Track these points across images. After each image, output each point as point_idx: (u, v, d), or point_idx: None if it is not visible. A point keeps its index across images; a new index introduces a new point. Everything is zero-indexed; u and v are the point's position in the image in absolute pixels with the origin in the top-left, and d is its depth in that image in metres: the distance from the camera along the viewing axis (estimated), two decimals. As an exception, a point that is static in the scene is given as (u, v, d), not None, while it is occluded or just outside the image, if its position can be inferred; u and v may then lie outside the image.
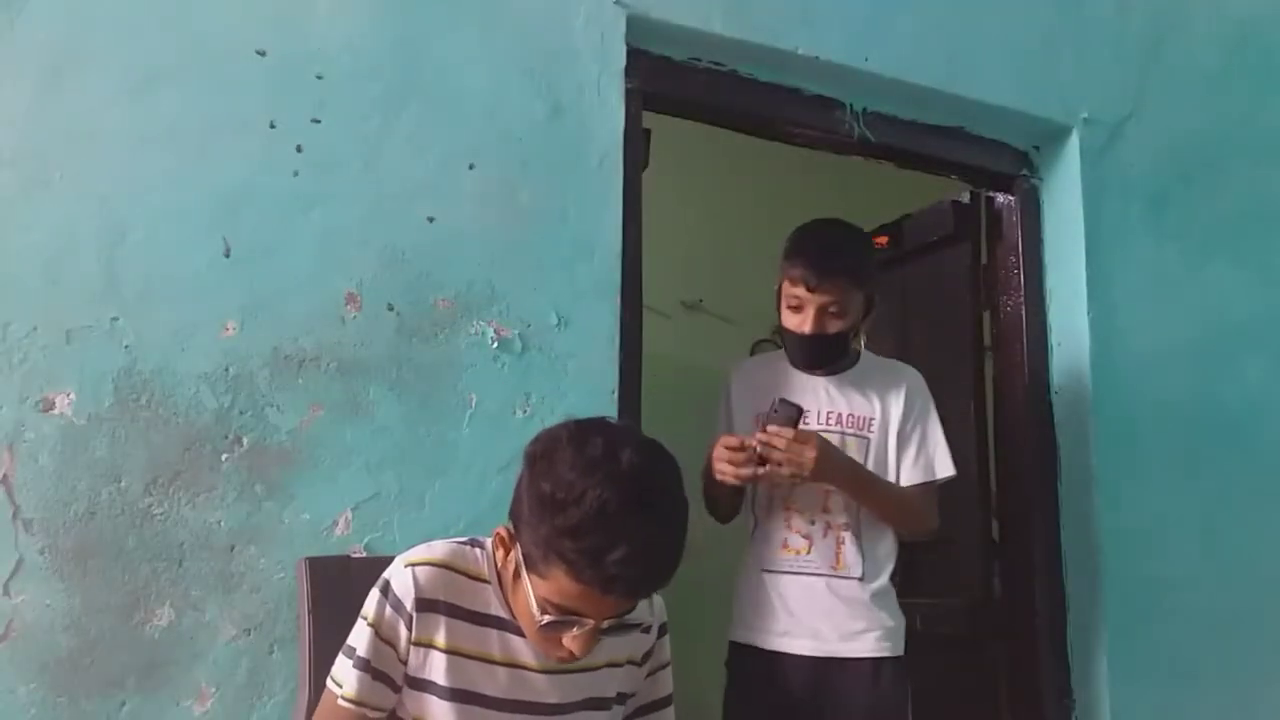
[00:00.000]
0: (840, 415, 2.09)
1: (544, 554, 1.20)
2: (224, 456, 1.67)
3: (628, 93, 2.08)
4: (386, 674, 1.30)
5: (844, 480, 1.99)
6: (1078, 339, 2.52)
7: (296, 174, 1.79)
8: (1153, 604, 2.46)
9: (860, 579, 2.02)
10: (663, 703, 1.47)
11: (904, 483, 2.06)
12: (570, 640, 1.24)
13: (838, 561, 2.03)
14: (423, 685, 1.31)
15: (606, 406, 1.95)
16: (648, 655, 1.43)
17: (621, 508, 1.17)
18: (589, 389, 1.94)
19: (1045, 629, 2.46)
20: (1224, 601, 2.56)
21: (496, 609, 1.33)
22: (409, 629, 1.29)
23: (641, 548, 1.17)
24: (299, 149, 1.80)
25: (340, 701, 1.30)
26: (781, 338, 2.14)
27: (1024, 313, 2.59)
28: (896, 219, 3.21)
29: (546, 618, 1.23)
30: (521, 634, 1.32)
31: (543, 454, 1.24)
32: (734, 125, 2.41)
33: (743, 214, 4.72)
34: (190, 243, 1.71)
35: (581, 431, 1.24)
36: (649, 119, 2.20)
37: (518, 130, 1.97)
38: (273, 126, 1.78)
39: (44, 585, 1.55)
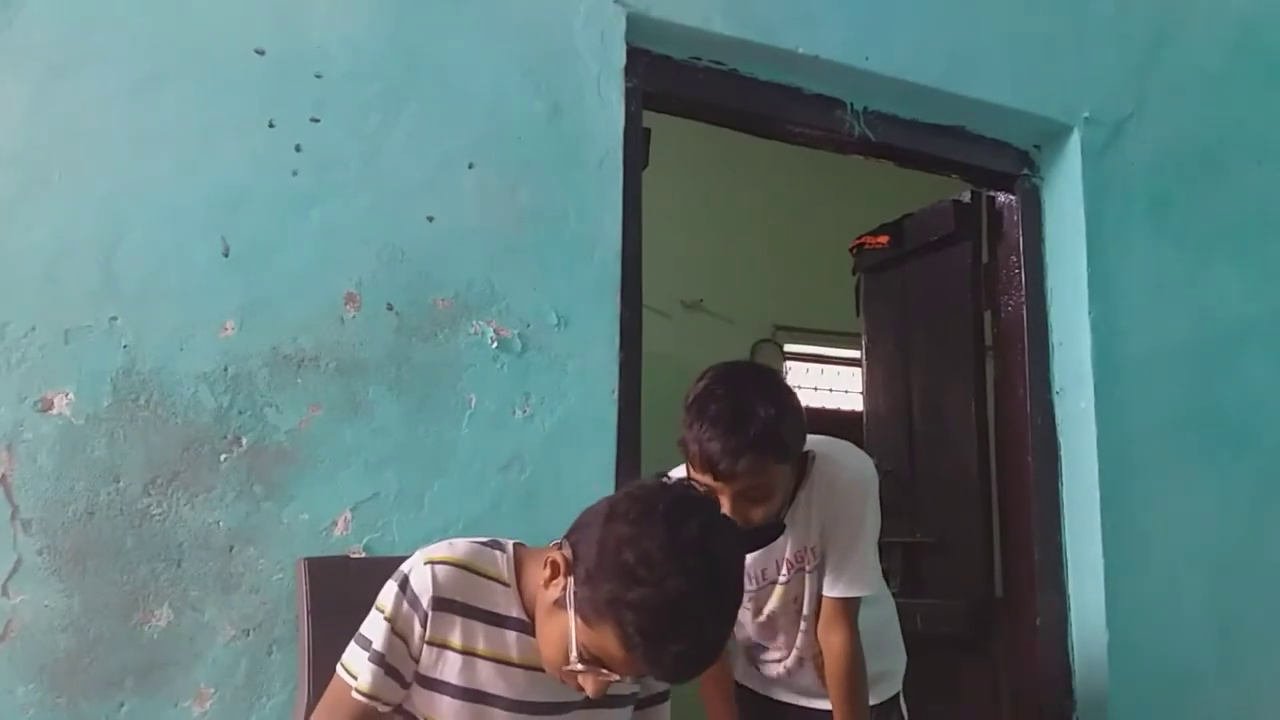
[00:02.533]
0: (784, 561, 1.80)
1: (601, 613, 1.17)
2: (223, 457, 1.67)
3: (628, 92, 2.08)
4: (398, 670, 1.28)
5: None
6: (1079, 338, 2.52)
7: (296, 173, 1.79)
8: (1154, 603, 2.45)
9: None
10: (659, 698, 1.46)
11: (830, 593, 1.78)
12: (588, 682, 1.22)
13: (820, 684, 1.84)
14: (434, 685, 1.30)
15: (606, 406, 1.95)
16: (646, 688, 1.42)
17: (697, 603, 1.15)
18: (589, 389, 1.94)
19: (1045, 629, 2.46)
20: (1225, 600, 2.55)
21: (514, 610, 1.31)
22: (424, 627, 1.27)
23: (702, 644, 1.18)
24: (298, 148, 1.79)
25: (354, 695, 1.28)
26: None
27: (1025, 312, 2.58)
28: (897, 218, 3.22)
29: (579, 666, 1.20)
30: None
31: (634, 518, 1.19)
32: (734, 125, 2.40)
33: (743, 214, 4.73)
34: (189, 242, 1.71)
35: (679, 508, 1.21)
36: (649, 118, 2.19)
37: (518, 130, 1.96)
38: (272, 126, 1.78)
39: (43, 585, 1.55)
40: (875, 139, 2.42)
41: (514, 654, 1.30)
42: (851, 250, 3.43)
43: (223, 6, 1.79)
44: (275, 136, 1.78)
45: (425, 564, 1.29)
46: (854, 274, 3.47)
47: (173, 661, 1.60)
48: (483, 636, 1.29)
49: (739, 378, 1.69)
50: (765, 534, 1.69)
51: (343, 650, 1.32)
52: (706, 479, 1.62)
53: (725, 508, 1.61)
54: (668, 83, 2.19)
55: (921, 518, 2.99)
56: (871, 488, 1.79)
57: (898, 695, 1.95)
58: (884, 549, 1.91)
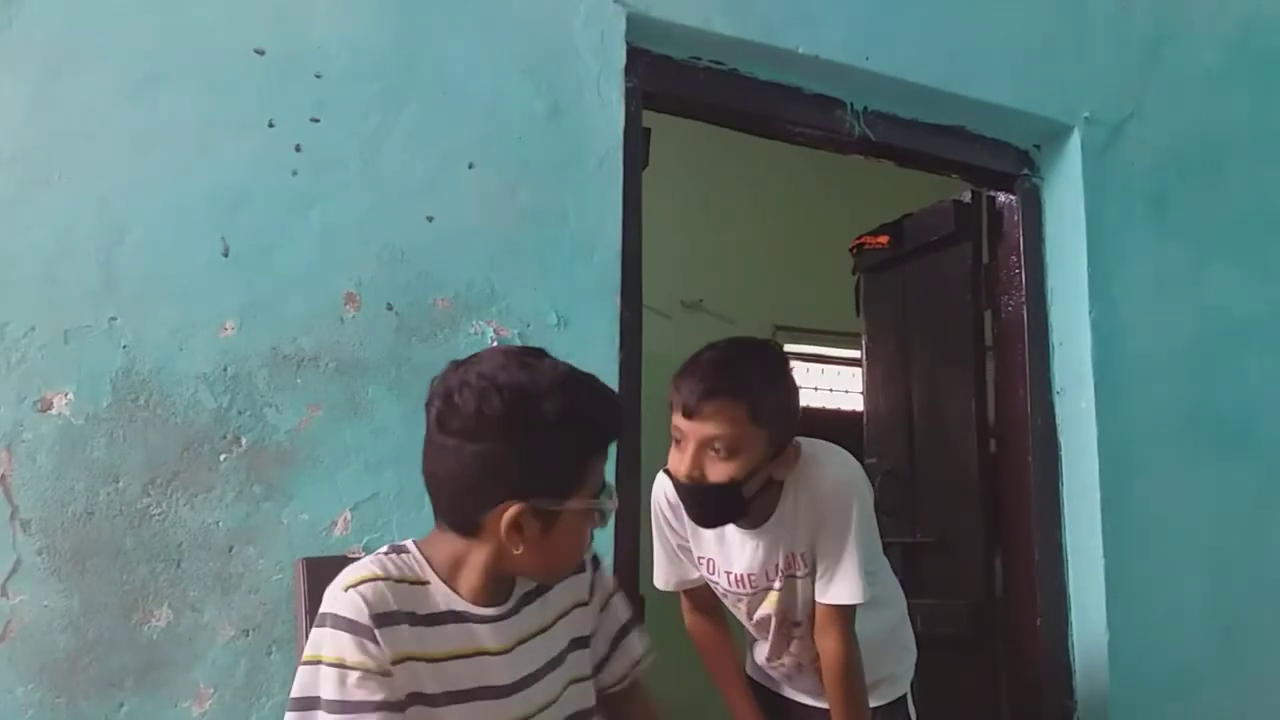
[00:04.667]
0: (776, 567, 1.75)
1: (567, 477, 1.23)
2: (222, 457, 1.67)
3: (628, 92, 2.07)
4: (389, 701, 1.17)
5: None
6: (1079, 338, 2.52)
7: (295, 173, 1.78)
8: (1154, 603, 2.45)
9: None
10: (629, 626, 1.41)
11: (820, 601, 1.75)
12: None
13: (822, 687, 1.80)
14: (427, 700, 1.22)
15: (606, 406, 1.94)
16: (592, 590, 1.39)
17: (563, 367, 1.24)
18: (589, 389, 1.94)
19: (1045, 629, 2.46)
20: (1225, 601, 2.55)
21: (454, 604, 1.25)
22: (379, 645, 1.17)
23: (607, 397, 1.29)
24: (298, 148, 1.79)
25: None
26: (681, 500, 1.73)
27: (1025, 312, 2.58)
28: (897, 218, 3.21)
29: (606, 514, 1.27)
30: (480, 619, 1.25)
31: (477, 417, 1.19)
32: (734, 124, 2.40)
33: (743, 214, 4.73)
34: (189, 242, 1.71)
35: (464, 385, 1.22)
36: (649, 118, 2.19)
37: (518, 129, 1.96)
38: (271, 126, 1.78)
39: (42, 585, 1.54)
40: (875, 139, 2.42)
41: (475, 643, 1.25)
42: (851, 250, 3.42)
43: (223, 6, 1.79)
44: (275, 136, 1.78)
45: (345, 591, 1.20)
46: (854, 274, 3.47)
47: (172, 662, 1.60)
48: (435, 639, 1.23)
49: (742, 343, 1.72)
50: (713, 495, 1.61)
51: None
52: (677, 419, 1.59)
53: (686, 458, 1.58)
54: (668, 83, 2.18)
55: (921, 518, 2.99)
56: (857, 492, 1.73)
57: (905, 696, 1.94)
58: (884, 549, 1.91)
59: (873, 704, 1.84)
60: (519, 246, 1.93)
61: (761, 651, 1.93)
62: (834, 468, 1.75)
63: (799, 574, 1.75)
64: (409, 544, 1.29)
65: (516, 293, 1.91)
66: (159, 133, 1.71)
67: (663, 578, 1.89)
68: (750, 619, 1.86)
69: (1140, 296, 2.58)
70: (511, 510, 1.20)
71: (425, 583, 1.25)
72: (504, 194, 1.93)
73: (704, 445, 1.59)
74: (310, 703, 1.18)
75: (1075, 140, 2.57)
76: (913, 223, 3.14)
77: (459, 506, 1.24)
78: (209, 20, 1.78)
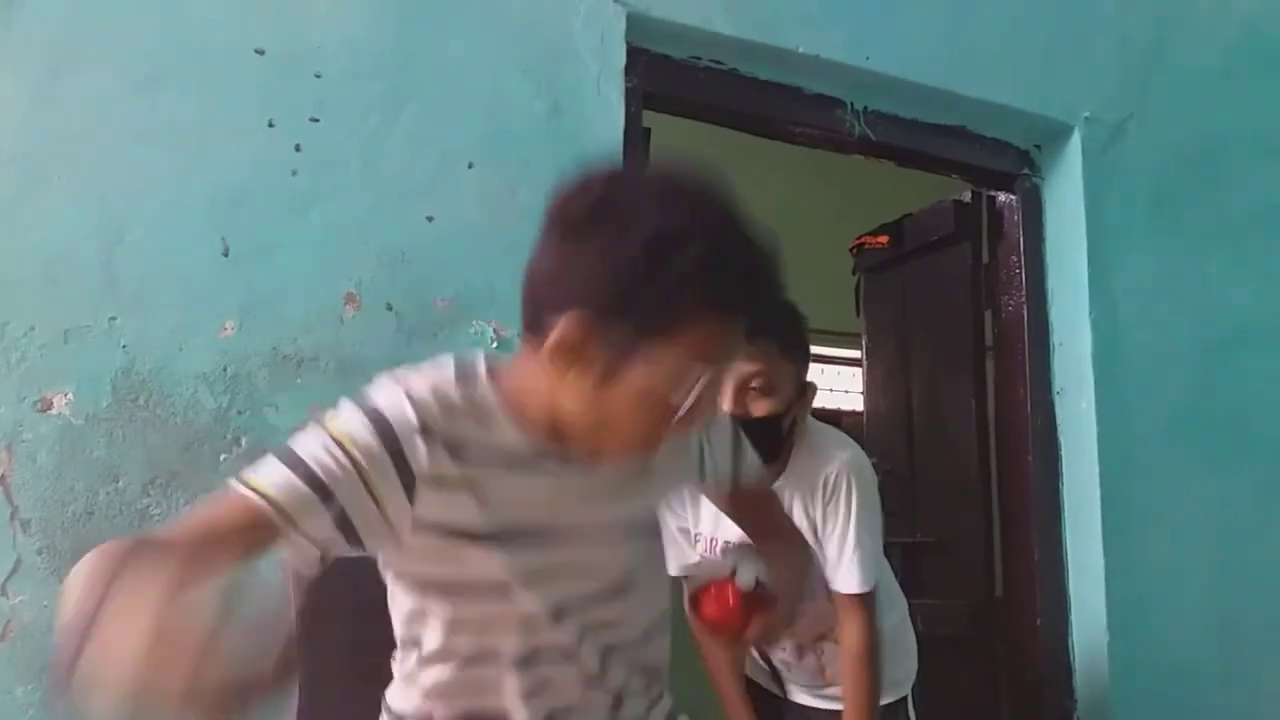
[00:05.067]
0: None
1: (662, 313, 0.96)
2: (222, 457, 1.67)
3: (628, 92, 2.07)
4: (349, 515, 0.96)
5: None
6: (1079, 338, 2.52)
7: (295, 173, 1.78)
8: (1154, 603, 2.45)
9: None
10: (749, 474, 1.26)
11: (834, 590, 1.76)
12: (701, 407, 1.01)
13: (822, 675, 1.83)
14: (459, 532, 1.01)
15: (606, 406, 1.94)
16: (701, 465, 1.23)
17: (724, 214, 1.02)
18: (589, 389, 1.93)
19: (1045, 629, 2.46)
20: (1225, 600, 2.55)
21: (517, 438, 1.05)
22: (413, 448, 0.98)
23: (763, 253, 1.04)
24: (298, 148, 1.79)
25: (243, 494, 0.93)
26: None
27: (1025, 312, 2.58)
28: (897, 218, 3.22)
29: (689, 397, 0.99)
30: (565, 458, 1.06)
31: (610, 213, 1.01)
32: (734, 125, 2.40)
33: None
34: (189, 242, 1.71)
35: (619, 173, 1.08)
36: (649, 118, 2.19)
37: (517, 129, 1.96)
38: (271, 125, 1.78)
39: (42, 585, 1.54)
40: (875, 139, 2.42)
41: (535, 492, 1.05)
42: (851, 250, 3.43)
43: (223, 6, 1.79)
44: (275, 136, 1.78)
45: (403, 394, 1.03)
46: (854, 274, 3.47)
47: (172, 662, 1.60)
48: (490, 478, 1.03)
49: None
50: (759, 430, 1.59)
51: (336, 654, 1.26)
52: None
53: (727, 400, 1.61)
54: (668, 83, 2.18)
55: (921, 518, 2.99)
56: (859, 478, 1.73)
57: (905, 699, 1.94)
58: (885, 549, 1.91)
59: (890, 699, 1.84)
60: (519, 246, 1.90)
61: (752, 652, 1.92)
62: (835, 457, 1.76)
63: None
64: (479, 365, 1.11)
65: (516, 292, 1.90)
66: (159, 133, 1.71)
67: (672, 562, 1.88)
68: None
69: (1140, 296, 2.58)
70: (571, 317, 0.99)
71: (489, 418, 1.05)
72: (504, 194, 1.93)
73: (744, 384, 1.63)
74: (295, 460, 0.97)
75: (1075, 140, 2.57)
76: (913, 223, 3.15)
77: (530, 303, 1.08)
78: (209, 20, 1.78)
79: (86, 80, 1.69)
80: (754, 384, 1.65)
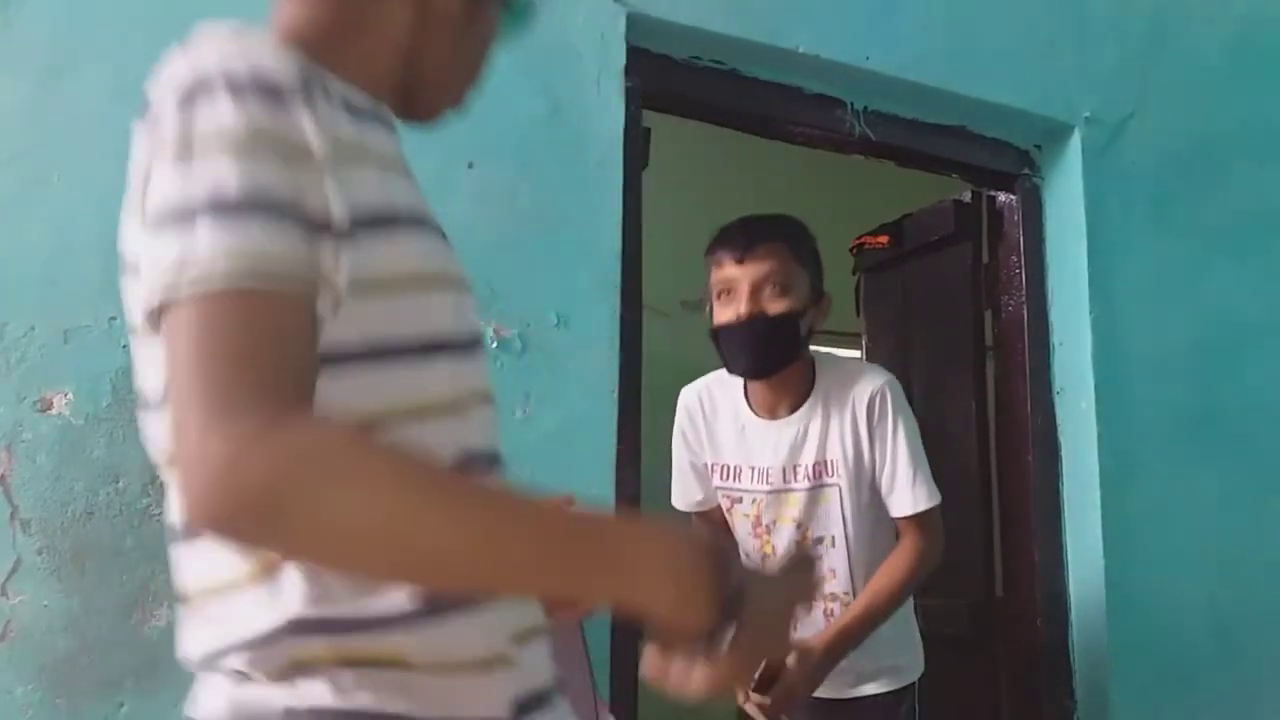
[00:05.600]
0: (800, 468, 1.77)
1: None
2: (223, 457, 1.66)
3: (627, 91, 2.07)
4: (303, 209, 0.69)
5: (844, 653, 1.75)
6: (1080, 338, 2.52)
7: (295, 173, 1.78)
8: (1155, 604, 2.45)
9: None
10: None
11: (894, 515, 1.83)
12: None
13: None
14: (380, 222, 0.76)
15: (606, 406, 1.94)
16: None
17: None
18: (589, 389, 1.94)
19: (1046, 629, 2.46)
20: (1227, 602, 2.55)
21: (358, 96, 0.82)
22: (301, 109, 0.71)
23: None
24: (298, 148, 1.79)
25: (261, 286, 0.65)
26: (718, 348, 1.81)
27: (1025, 312, 2.58)
28: (897, 218, 3.21)
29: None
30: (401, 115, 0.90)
31: None
32: (734, 124, 2.40)
33: (742, 214, 4.73)
34: (189, 242, 1.70)
35: None
36: (649, 118, 2.19)
37: (517, 129, 1.96)
38: (272, 126, 1.78)
39: (42, 586, 1.54)
40: (876, 138, 2.42)
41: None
42: (851, 250, 3.42)
43: (223, 7, 1.78)
44: (275, 136, 1.77)
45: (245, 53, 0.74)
46: (854, 274, 3.47)
47: (173, 662, 1.59)
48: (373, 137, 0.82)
49: (766, 213, 1.86)
50: (775, 327, 1.70)
51: None
52: (727, 269, 1.72)
53: (743, 299, 1.70)
54: (668, 83, 2.18)
55: (921, 518, 2.99)
56: (891, 393, 1.80)
57: (912, 687, 1.94)
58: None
59: (876, 690, 1.85)
60: (519, 246, 1.93)
61: None
62: (869, 373, 1.85)
63: (829, 480, 1.77)
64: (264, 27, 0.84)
65: (516, 292, 1.91)
66: (159, 133, 1.71)
67: (678, 495, 1.95)
68: (768, 537, 1.81)
69: (1140, 296, 2.58)
70: None
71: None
72: (504, 194, 1.93)
73: (758, 286, 1.72)
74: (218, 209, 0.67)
75: (1075, 140, 2.57)
76: (913, 223, 3.14)
77: None
78: (208, 20, 1.77)
79: (86, 80, 1.68)
80: (769, 283, 1.72)
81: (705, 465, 1.90)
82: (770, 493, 1.81)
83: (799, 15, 2.25)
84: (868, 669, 1.88)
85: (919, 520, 1.81)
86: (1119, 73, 2.66)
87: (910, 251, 3.15)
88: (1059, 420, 2.54)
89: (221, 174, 0.67)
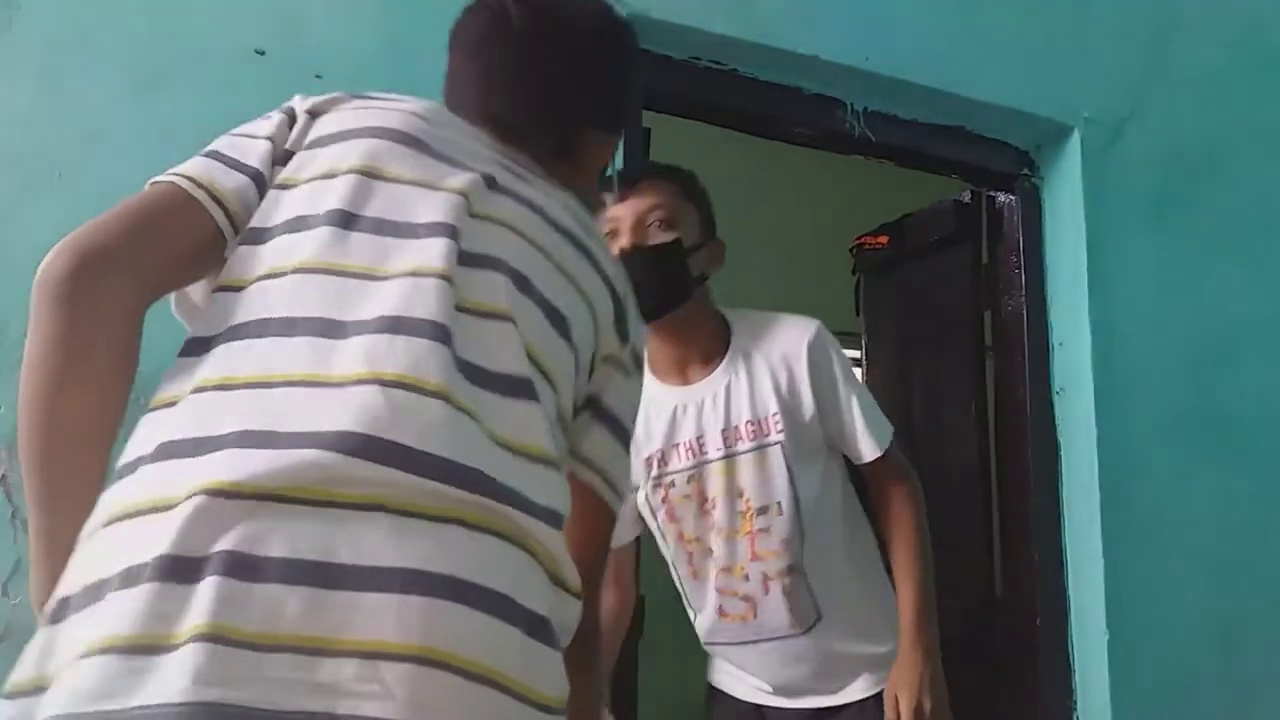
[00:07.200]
0: (729, 432, 1.61)
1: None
2: (223, 457, 1.67)
3: (628, 92, 2.07)
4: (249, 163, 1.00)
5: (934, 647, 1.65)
6: (1079, 339, 2.52)
7: (296, 173, 1.78)
8: (1155, 604, 2.45)
9: (819, 619, 1.67)
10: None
11: (863, 461, 1.67)
12: None
13: (792, 618, 1.65)
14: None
15: (606, 406, 1.94)
16: None
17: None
18: (589, 389, 1.93)
19: (1046, 629, 2.46)
20: (1225, 600, 2.55)
21: None
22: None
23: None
24: (298, 148, 1.79)
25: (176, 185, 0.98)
26: None
27: (1025, 312, 2.58)
28: (897, 219, 3.22)
29: None
30: None
31: None
32: (734, 125, 2.40)
33: (742, 214, 4.72)
34: (189, 242, 1.70)
35: None
36: (649, 118, 2.19)
37: (517, 130, 1.96)
38: (272, 126, 1.78)
39: (42, 586, 1.54)
40: (875, 139, 2.42)
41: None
42: (851, 250, 3.42)
43: (223, 7, 1.79)
44: (275, 136, 1.78)
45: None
46: (854, 274, 3.47)
47: (173, 662, 1.59)
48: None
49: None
50: (658, 256, 1.59)
51: None
52: (611, 210, 1.60)
53: (626, 230, 1.59)
54: (668, 83, 2.18)
55: (921, 518, 2.99)
56: (826, 338, 1.67)
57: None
58: (884, 548, 1.87)
59: (880, 687, 1.70)
60: (519, 246, 1.92)
61: (711, 599, 1.67)
62: (794, 321, 1.71)
63: (769, 440, 1.61)
64: None
65: (516, 293, 1.91)
66: (159, 133, 1.71)
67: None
68: (714, 513, 1.63)
69: (1140, 296, 2.58)
70: (614, 148, 1.15)
71: None
72: (504, 194, 1.92)
73: (641, 219, 1.61)
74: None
75: (1075, 140, 2.57)
76: (913, 223, 3.14)
77: (550, 121, 1.09)
78: (209, 20, 1.78)
79: (86, 80, 1.69)
80: (653, 217, 1.62)
81: (647, 459, 1.69)
82: (698, 465, 1.63)
83: (799, 15, 2.25)
84: (843, 675, 1.72)
85: (889, 461, 1.68)
86: (1119, 73, 2.66)
87: (910, 252, 3.15)
88: (1059, 420, 2.54)
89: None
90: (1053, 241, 2.61)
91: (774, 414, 1.61)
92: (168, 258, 0.94)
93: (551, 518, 0.79)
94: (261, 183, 0.91)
